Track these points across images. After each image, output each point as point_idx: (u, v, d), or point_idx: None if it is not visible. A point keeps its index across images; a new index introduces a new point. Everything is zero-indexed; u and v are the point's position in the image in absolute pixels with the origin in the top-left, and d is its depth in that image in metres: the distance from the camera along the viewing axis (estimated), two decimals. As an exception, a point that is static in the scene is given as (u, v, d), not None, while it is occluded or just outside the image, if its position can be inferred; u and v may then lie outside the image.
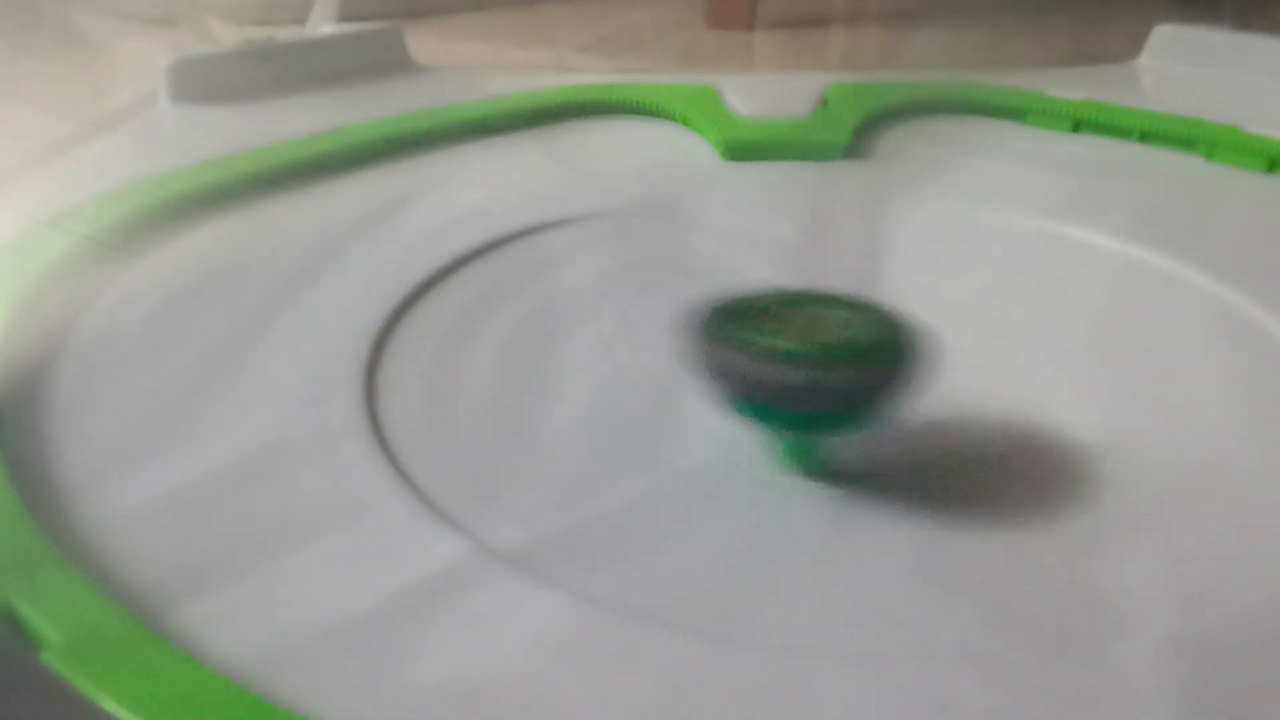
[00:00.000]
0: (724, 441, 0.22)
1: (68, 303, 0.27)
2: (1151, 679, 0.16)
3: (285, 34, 0.49)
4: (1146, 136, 0.37)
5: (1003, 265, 0.30)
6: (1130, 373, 0.24)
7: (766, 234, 0.31)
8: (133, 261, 0.29)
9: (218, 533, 0.19)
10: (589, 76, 0.42)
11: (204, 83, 0.40)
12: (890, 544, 0.19)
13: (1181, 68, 0.43)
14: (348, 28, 0.44)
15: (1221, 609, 0.17)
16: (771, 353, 0.19)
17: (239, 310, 0.27)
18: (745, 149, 0.36)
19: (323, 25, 0.47)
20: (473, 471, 0.21)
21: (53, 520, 0.19)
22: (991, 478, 0.21)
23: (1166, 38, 0.45)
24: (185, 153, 0.34)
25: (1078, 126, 0.38)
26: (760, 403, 0.19)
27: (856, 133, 0.37)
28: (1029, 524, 0.20)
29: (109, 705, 0.15)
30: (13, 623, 0.17)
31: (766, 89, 0.40)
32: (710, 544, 0.19)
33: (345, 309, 0.27)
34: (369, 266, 0.29)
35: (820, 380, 0.18)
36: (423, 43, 0.47)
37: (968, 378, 0.24)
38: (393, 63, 0.44)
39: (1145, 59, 0.45)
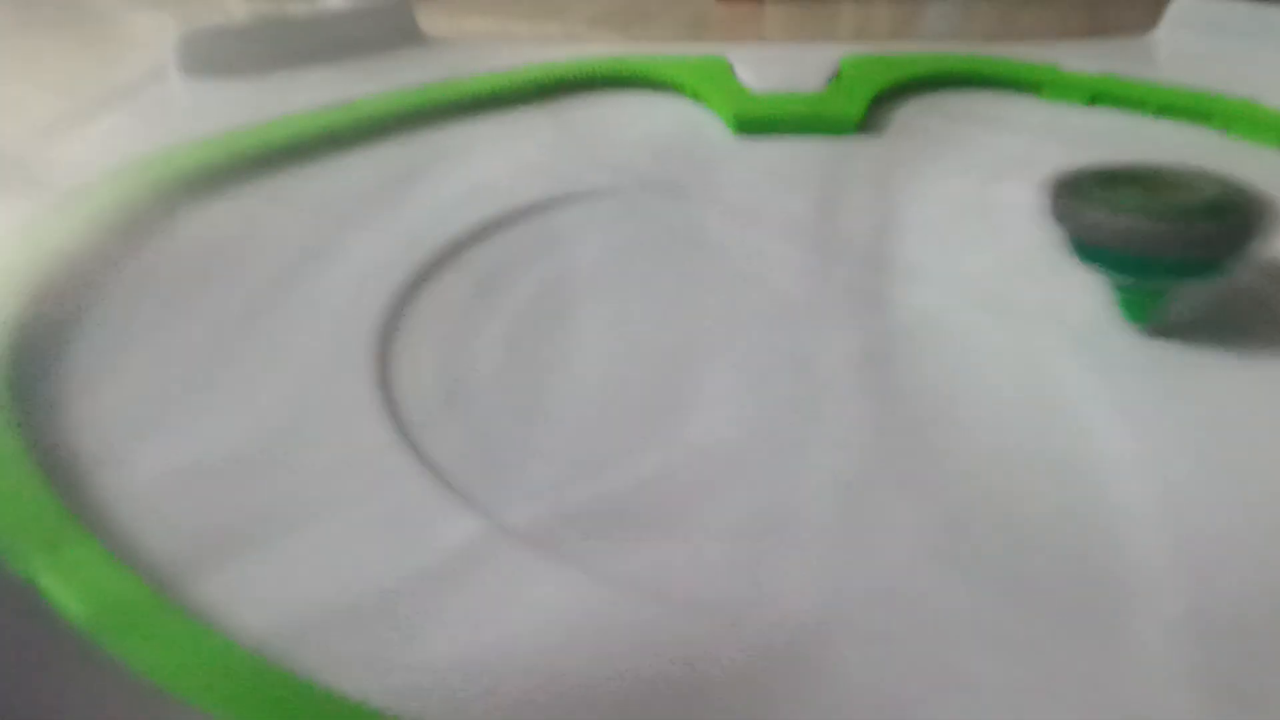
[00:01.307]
0: (739, 414, 0.22)
1: (82, 278, 0.27)
2: (1165, 655, 0.16)
3: (296, 7, 0.48)
4: (1163, 110, 0.37)
5: (1017, 240, 0.29)
6: (1144, 349, 0.24)
7: (778, 209, 0.31)
8: (145, 236, 0.29)
9: (234, 507, 0.19)
10: (598, 49, 0.42)
11: (215, 56, 0.40)
12: (904, 520, 0.19)
13: (1199, 40, 0.43)
14: (358, 1, 0.44)
15: (1235, 585, 0.17)
16: (1133, 209, 0.22)
17: (251, 285, 0.27)
18: (757, 123, 0.36)
19: (332, -3, 0.47)
20: (486, 448, 0.21)
21: (72, 494, 0.19)
22: (1005, 453, 0.21)
23: (1184, 10, 0.44)
24: (196, 126, 0.34)
25: (1094, 100, 0.38)
26: (1126, 253, 0.22)
27: (870, 106, 0.37)
28: (1043, 501, 0.20)
29: (134, 674, 0.15)
30: (35, 595, 0.17)
31: (778, 61, 0.39)
32: (725, 520, 0.19)
33: (358, 283, 0.27)
34: (381, 240, 0.29)
35: (1181, 232, 0.21)
36: (433, 17, 0.46)
37: (980, 353, 0.24)
38: (403, 36, 0.43)
39: (1162, 32, 0.44)
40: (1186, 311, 0.24)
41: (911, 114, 0.38)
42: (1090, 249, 0.23)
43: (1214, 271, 0.22)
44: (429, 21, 0.45)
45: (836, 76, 0.39)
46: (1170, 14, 0.44)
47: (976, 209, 0.31)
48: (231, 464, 0.20)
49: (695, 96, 0.38)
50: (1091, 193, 0.22)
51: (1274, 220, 0.22)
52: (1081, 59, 0.40)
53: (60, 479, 0.20)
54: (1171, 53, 0.43)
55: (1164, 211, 0.22)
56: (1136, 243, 0.22)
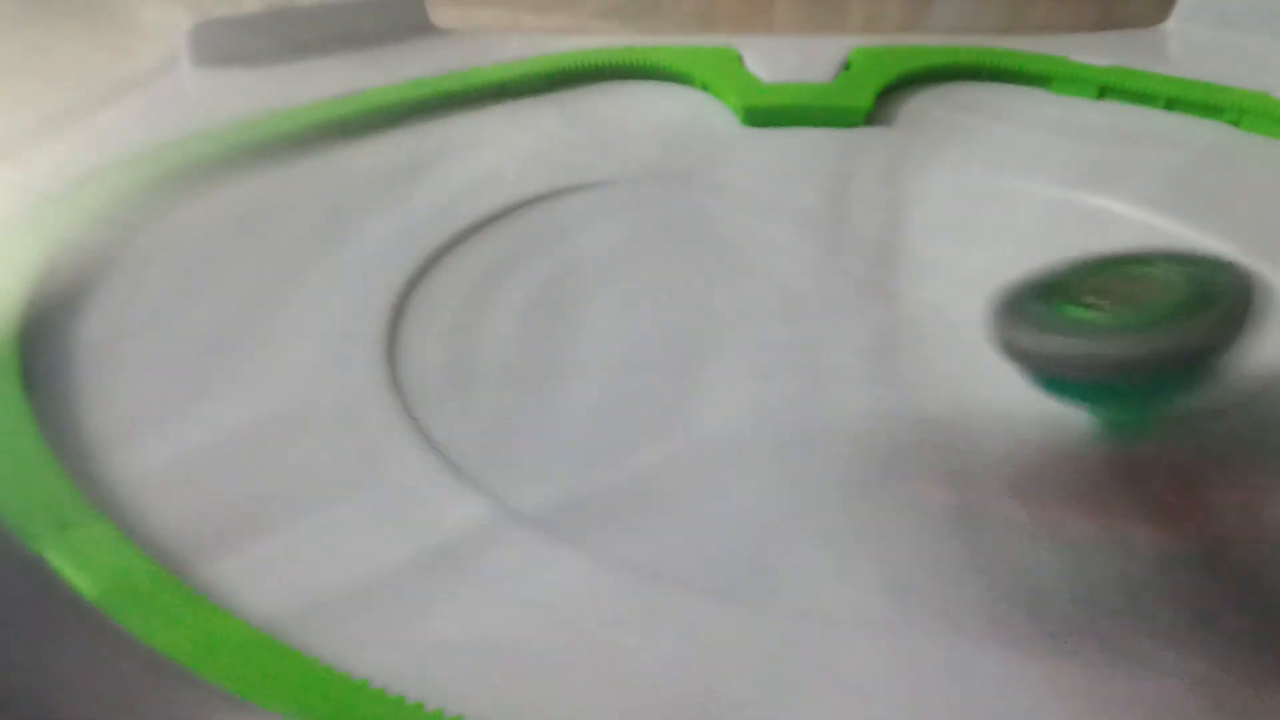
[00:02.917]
0: (748, 404, 0.23)
1: (92, 264, 0.27)
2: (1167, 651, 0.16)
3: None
4: (1173, 103, 0.36)
5: (1026, 234, 0.29)
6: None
7: (786, 200, 0.31)
8: (155, 224, 0.29)
9: (244, 490, 0.20)
10: (607, 40, 0.42)
11: (226, 45, 0.40)
12: (908, 512, 0.19)
13: (1211, 32, 0.43)
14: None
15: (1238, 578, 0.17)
16: (1100, 328, 0.17)
17: (261, 272, 0.27)
18: (765, 114, 0.36)
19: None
20: (494, 433, 0.21)
21: (83, 474, 0.19)
22: (1014, 445, 0.21)
23: (1196, 2, 0.44)
24: (207, 116, 0.34)
25: (1103, 93, 0.38)
26: (1099, 382, 0.18)
27: (879, 98, 0.37)
28: (1049, 496, 0.20)
29: (146, 649, 0.15)
30: (45, 573, 0.17)
31: (788, 52, 0.39)
32: (734, 508, 0.19)
33: (366, 271, 0.27)
34: (389, 229, 0.29)
35: (1157, 348, 0.17)
36: (442, 8, 0.46)
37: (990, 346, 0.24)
38: (413, 26, 0.43)
39: (1173, 23, 0.44)
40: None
41: (921, 106, 0.37)
42: (1054, 384, 0.19)
43: (1207, 373, 0.18)
44: (439, 13, 0.45)
45: (846, 68, 0.39)
46: (1181, 6, 0.44)
47: (985, 202, 0.31)
48: (241, 446, 0.21)
49: (704, 87, 0.38)
50: (1039, 314, 0.18)
51: (1259, 297, 0.18)
52: (1091, 51, 0.40)
53: (72, 460, 0.20)
54: (1183, 45, 0.43)
55: (1130, 323, 0.17)
56: (1106, 371, 0.18)
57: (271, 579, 0.18)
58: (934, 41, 0.43)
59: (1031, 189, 0.31)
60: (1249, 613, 0.16)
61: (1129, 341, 0.17)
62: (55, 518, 0.18)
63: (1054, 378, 0.19)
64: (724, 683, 0.16)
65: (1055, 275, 0.19)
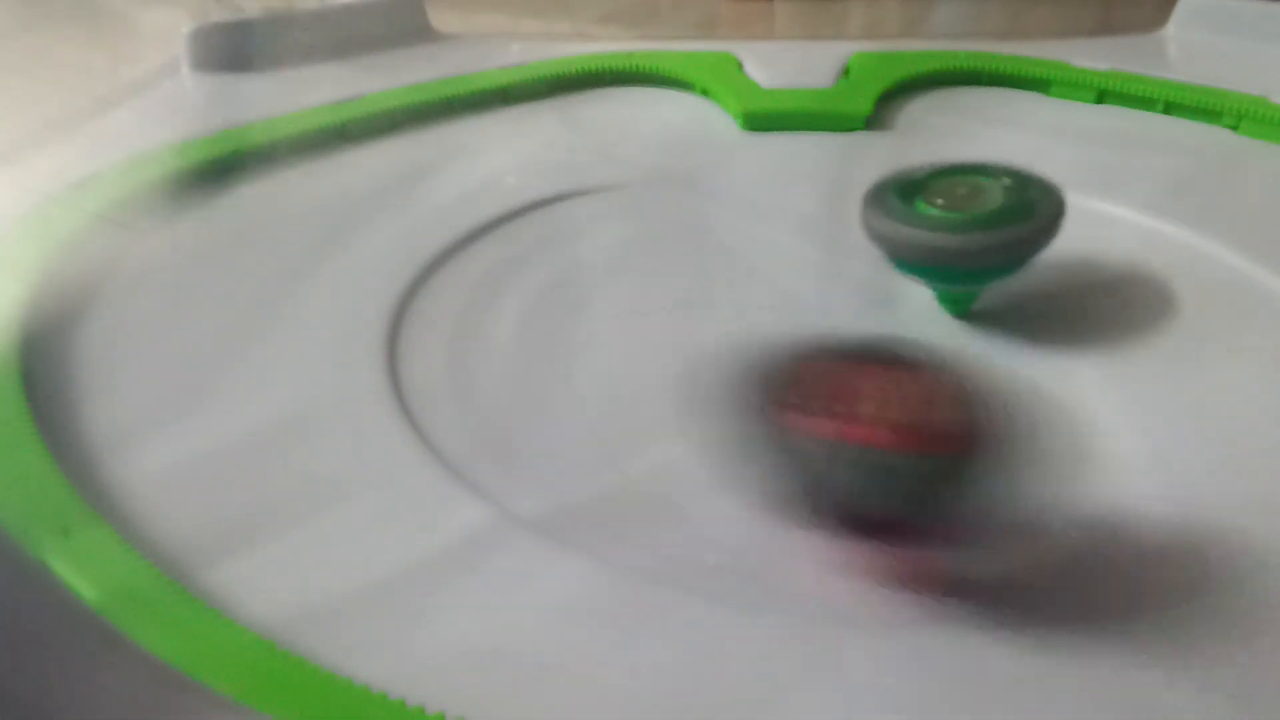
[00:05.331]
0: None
1: (93, 269, 0.27)
2: (1170, 657, 0.16)
3: (307, 2, 0.49)
4: (1172, 108, 0.36)
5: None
6: (1152, 347, 0.24)
7: (786, 205, 0.31)
8: (156, 228, 0.29)
9: (245, 495, 0.20)
10: (608, 45, 0.42)
11: (226, 51, 0.40)
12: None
13: (1209, 38, 0.43)
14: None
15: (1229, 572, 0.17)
16: (937, 224, 0.22)
17: (262, 276, 0.27)
18: (765, 119, 0.36)
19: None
20: (495, 439, 0.21)
21: (85, 481, 0.19)
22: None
23: (1194, 7, 0.44)
24: (207, 121, 0.34)
25: (1102, 97, 0.38)
26: (928, 266, 0.23)
27: (878, 103, 0.37)
28: (1042, 499, 0.20)
29: (148, 656, 0.15)
30: (48, 579, 0.17)
31: (788, 58, 0.39)
32: (730, 512, 0.19)
33: (368, 276, 0.27)
34: (390, 234, 0.29)
35: (984, 243, 0.22)
36: (444, 13, 0.46)
37: (990, 348, 0.24)
38: (414, 31, 0.44)
39: (1172, 29, 0.44)
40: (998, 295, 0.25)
41: (921, 110, 0.38)
42: (904, 263, 0.24)
43: (1016, 269, 0.23)
44: (440, 17, 0.45)
45: (845, 73, 0.39)
46: (1179, 11, 0.44)
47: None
48: (243, 452, 0.21)
49: (704, 92, 0.38)
50: (895, 207, 0.23)
51: (1063, 213, 0.23)
52: (1090, 56, 0.40)
53: (73, 466, 0.20)
54: (1180, 50, 0.43)
55: (964, 223, 0.22)
56: (943, 258, 0.22)
57: (273, 584, 0.18)
58: (933, 46, 0.43)
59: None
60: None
61: (959, 237, 0.22)
62: (57, 524, 0.18)
63: (901, 259, 0.23)
64: (724, 682, 0.16)
65: (912, 175, 0.24)
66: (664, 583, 0.17)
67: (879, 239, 0.23)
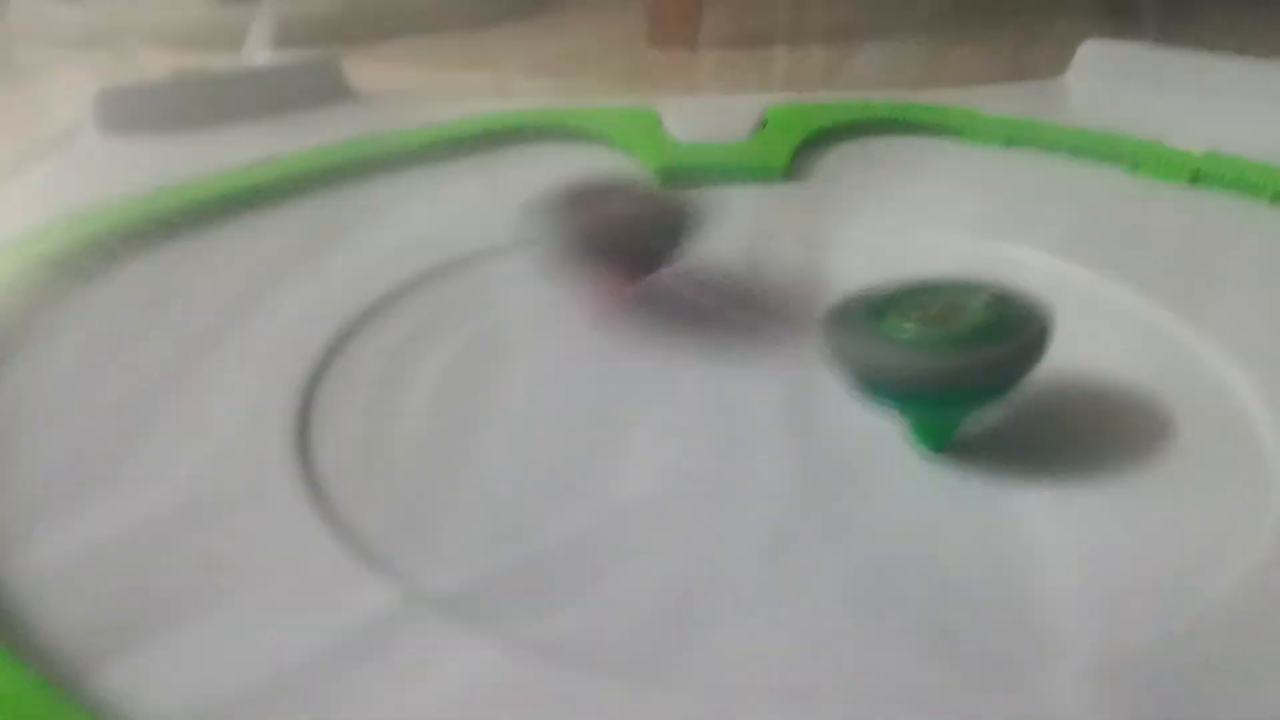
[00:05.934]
0: (666, 469, 0.22)
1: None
2: (1080, 706, 0.16)
3: (219, 62, 0.48)
4: (1075, 152, 0.38)
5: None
6: (1060, 389, 0.25)
7: (705, 259, 0.31)
8: (57, 300, 0.28)
9: (141, 588, 0.19)
10: (530, 101, 0.42)
11: (134, 112, 0.39)
12: (824, 575, 0.19)
13: (1107, 83, 0.44)
14: (284, 56, 0.44)
15: (1147, 635, 0.18)
16: (912, 344, 0.20)
17: (169, 349, 0.26)
18: (681, 174, 0.36)
19: (259, 52, 0.46)
20: (408, 513, 0.21)
21: (-35, 579, 0.18)
22: (927, 502, 0.21)
23: (1092, 53, 0.46)
24: (114, 185, 0.33)
25: (1010, 143, 0.39)
26: (903, 392, 0.20)
27: (796, 154, 0.37)
28: (958, 547, 0.20)
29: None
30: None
31: (706, 111, 0.40)
32: (648, 580, 0.19)
33: (280, 344, 0.26)
34: (304, 300, 0.28)
35: (960, 365, 0.20)
36: (363, 67, 0.46)
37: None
38: (330, 91, 0.43)
39: (1072, 75, 0.46)
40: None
41: (835, 161, 0.38)
42: (875, 390, 0.21)
43: (1004, 393, 0.21)
44: (359, 73, 0.45)
45: (763, 125, 0.39)
46: (1079, 57, 0.46)
47: (901, 254, 0.32)
48: (140, 541, 0.20)
49: (623, 147, 0.38)
50: (865, 327, 0.21)
51: (1053, 327, 0.20)
52: (1000, 102, 0.41)
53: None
54: (1082, 95, 0.45)
55: (945, 342, 0.20)
56: (922, 382, 0.20)
57: (171, 682, 0.17)
58: (853, 95, 0.44)
59: (945, 239, 0.32)
60: None
61: (931, 360, 0.20)
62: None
63: (869, 383, 0.21)
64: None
65: (879, 292, 0.21)
66: (577, 661, 0.17)
67: (847, 362, 0.21)
